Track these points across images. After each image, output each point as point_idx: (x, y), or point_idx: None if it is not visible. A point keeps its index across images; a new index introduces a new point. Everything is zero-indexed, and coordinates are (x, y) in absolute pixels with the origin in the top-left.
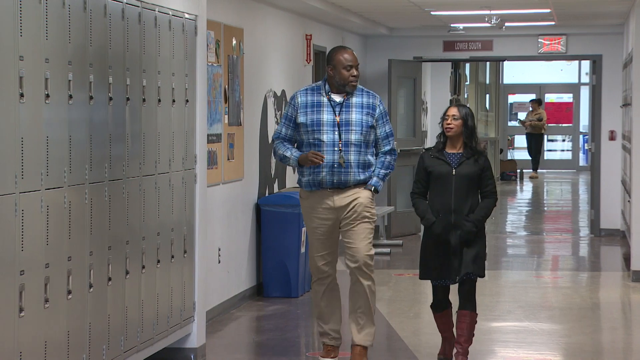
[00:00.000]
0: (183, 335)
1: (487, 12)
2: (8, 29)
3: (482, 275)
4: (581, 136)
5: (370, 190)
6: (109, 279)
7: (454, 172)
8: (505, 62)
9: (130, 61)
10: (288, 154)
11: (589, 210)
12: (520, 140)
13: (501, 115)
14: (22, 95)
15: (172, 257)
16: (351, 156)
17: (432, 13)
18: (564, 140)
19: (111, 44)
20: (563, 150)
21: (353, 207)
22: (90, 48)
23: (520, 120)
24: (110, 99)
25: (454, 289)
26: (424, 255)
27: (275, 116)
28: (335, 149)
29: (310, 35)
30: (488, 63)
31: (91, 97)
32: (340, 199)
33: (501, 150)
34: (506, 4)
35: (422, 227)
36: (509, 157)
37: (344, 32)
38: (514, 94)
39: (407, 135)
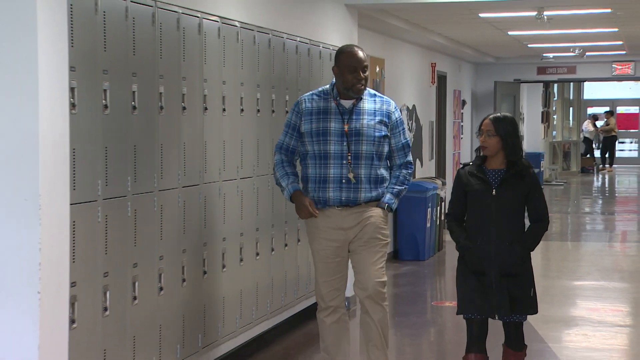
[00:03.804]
0: None
1: (572, 44)
2: (215, 61)
3: (533, 313)
4: None
5: (384, 209)
6: (257, 254)
7: (493, 193)
8: (585, 83)
9: (301, 85)
10: (284, 183)
11: None
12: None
13: (581, 123)
14: (224, 110)
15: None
16: (361, 170)
17: (528, 46)
18: (631, 142)
19: (288, 71)
20: (631, 150)
21: (363, 227)
22: (272, 75)
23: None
24: (286, 112)
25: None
26: (458, 286)
27: (408, 124)
28: (344, 161)
29: (435, 63)
30: (572, 83)
31: (273, 111)
32: (349, 219)
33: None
34: (587, 38)
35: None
36: (588, 156)
37: (460, 60)
38: (592, 106)
39: None
